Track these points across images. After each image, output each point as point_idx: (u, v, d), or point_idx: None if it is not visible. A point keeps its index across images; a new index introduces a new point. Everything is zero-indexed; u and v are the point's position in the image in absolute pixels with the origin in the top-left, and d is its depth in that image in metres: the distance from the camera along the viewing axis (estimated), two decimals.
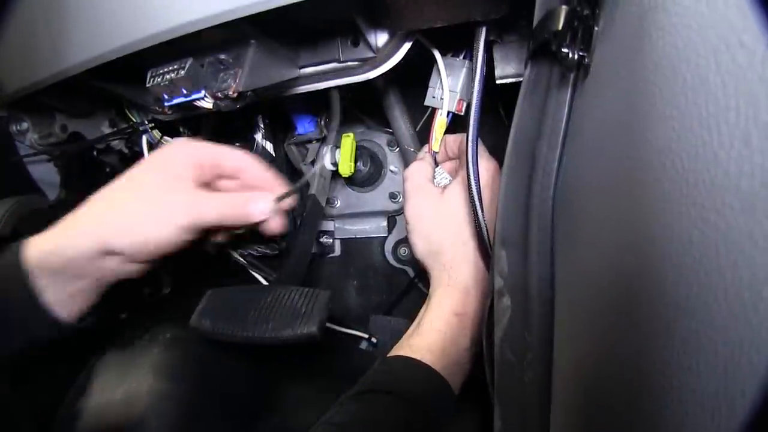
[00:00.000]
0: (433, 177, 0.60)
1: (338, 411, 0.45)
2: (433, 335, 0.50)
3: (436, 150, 0.59)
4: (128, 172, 0.47)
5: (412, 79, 0.60)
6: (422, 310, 0.54)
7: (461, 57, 0.57)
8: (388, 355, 0.51)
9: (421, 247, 0.56)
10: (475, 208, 0.48)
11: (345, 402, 0.46)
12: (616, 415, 0.25)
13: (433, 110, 0.59)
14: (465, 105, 0.57)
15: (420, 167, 0.59)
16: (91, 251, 0.44)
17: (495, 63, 0.53)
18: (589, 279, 0.29)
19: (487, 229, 0.49)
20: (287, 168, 0.76)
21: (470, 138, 0.48)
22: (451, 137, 0.60)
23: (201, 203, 0.45)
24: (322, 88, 0.55)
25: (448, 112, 0.57)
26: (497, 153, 0.57)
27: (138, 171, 0.47)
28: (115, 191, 0.46)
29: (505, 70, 0.53)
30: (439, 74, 0.56)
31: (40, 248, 0.45)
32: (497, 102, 0.69)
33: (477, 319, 0.52)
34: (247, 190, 0.50)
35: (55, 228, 0.46)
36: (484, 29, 0.47)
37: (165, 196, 0.45)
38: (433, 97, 0.58)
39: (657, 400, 0.21)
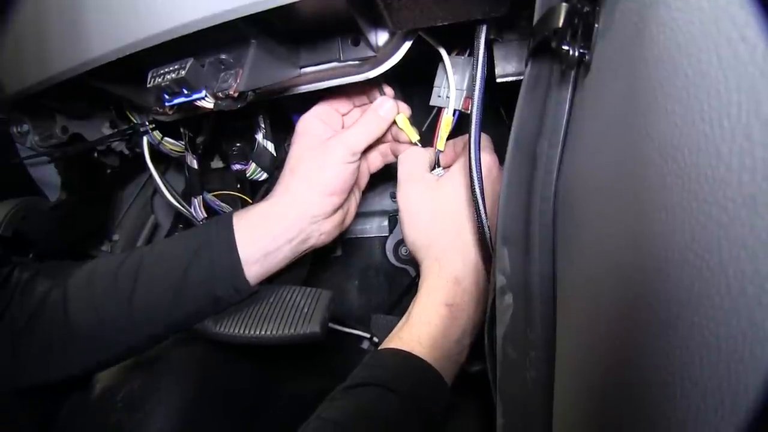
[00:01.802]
0: (430, 167, 0.59)
1: (329, 405, 0.45)
2: (423, 327, 0.50)
3: (441, 149, 0.58)
4: (288, 160, 0.59)
5: (415, 78, 0.60)
6: (412, 304, 0.53)
7: (466, 55, 0.56)
8: (378, 348, 0.50)
9: (412, 236, 0.56)
10: (476, 198, 0.48)
11: (336, 396, 0.46)
12: (620, 411, 0.25)
13: (439, 110, 0.58)
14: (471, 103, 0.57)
15: (416, 153, 0.59)
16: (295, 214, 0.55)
17: (495, 62, 0.52)
18: (590, 276, 0.29)
19: (487, 220, 0.49)
20: None
21: (473, 132, 0.48)
22: (460, 140, 0.60)
23: (345, 135, 0.56)
24: (323, 87, 0.55)
25: (455, 111, 0.56)
26: (498, 151, 0.57)
27: (293, 154, 0.58)
28: (289, 172, 0.58)
29: (506, 69, 0.53)
30: (446, 73, 0.56)
31: (249, 213, 0.57)
32: (498, 101, 0.69)
33: (468, 310, 0.51)
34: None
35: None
36: (484, 27, 0.47)
37: (321, 150, 0.56)
38: (439, 96, 0.57)
39: (660, 395, 0.21)
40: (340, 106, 0.61)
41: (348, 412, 0.44)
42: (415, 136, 0.60)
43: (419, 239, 0.55)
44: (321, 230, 0.58)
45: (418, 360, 0.47)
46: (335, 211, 0.58)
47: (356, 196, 0.64)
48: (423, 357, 0.48)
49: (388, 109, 0.58)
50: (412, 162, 0.58)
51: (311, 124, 0.59)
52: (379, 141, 0.60)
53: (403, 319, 0.53)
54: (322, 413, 0.44)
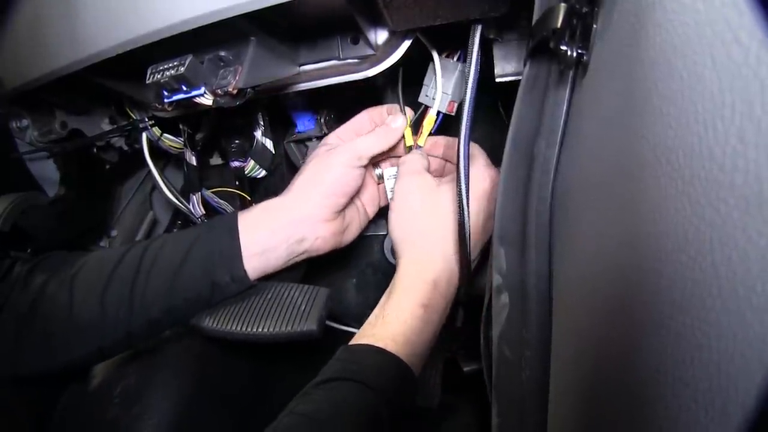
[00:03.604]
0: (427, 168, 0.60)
1: (302, 401, 0.45)
2: (397, 325, 0.50)
3: (421, 144, 0.61)
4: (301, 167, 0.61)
5: (412, 75, 0.60)
6: (384, 299, 0.53)
7: (455, 59, 0.57)
8: (350, 344, 0.50)
9: (399, 230, 0.57)
10: (462, 205, 0.49)
11: (309, 391, 0.46)
12: (613, 411, 0.26)
13: (426, 107, 0.60)
14: (456, 106, 0.58)
15: (419, 155, 0.60)
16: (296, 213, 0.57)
17: (495, 61, 0.53)
18: (586, 276, 0.29)
19: (469, 233, 0.50)
20: (287, 166, 0.76)
21: (462, 137, 0.48)
22: (440, 139, 0.62)
23: (355, 141, 0.58)
24: (322, 85, 0.55)
25: (438, 112, 0.58)
26: (496, 151, 0.57)
27: (306, 160, 0.61)
28: (297, 174, 0.60)
29: (505, 69, 0.53)
30: (435, 74, 0.57)
31: (251, 210, 0.58)
32: (497, 100, 0.69)
33: (441, 313, 0.53)
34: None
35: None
36: (479, 27, 0.47)
37: (329, 154, 0.58)
38: (426, 96, 0.59)
39: (652, 394, 0.21)
40: (362, 128, 0.62)
41: (322, 407, 0.43)
42: (409, 141, 0.62)
43: (405, 232, 0.56)
44: (317, 233, 0.58)
45: (392, 356, 0.48)
46: (335, 214, 0.58)
47: (360, 215, 0.64)
48: (396, 353, 0.48)
49: (400, 123, 0.60)
50: (415, 161, 0.60)
51: (328, 138, 0.62)
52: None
53: (375, 315, 0.53)
54: (295, 408, 0.44)
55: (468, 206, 0.49)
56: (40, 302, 0.54)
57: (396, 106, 0.61)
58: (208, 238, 0.55)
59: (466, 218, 0.49)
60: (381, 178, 0.65)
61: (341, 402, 0.44)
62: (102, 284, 0.54)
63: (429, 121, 0.59)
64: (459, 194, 0.49)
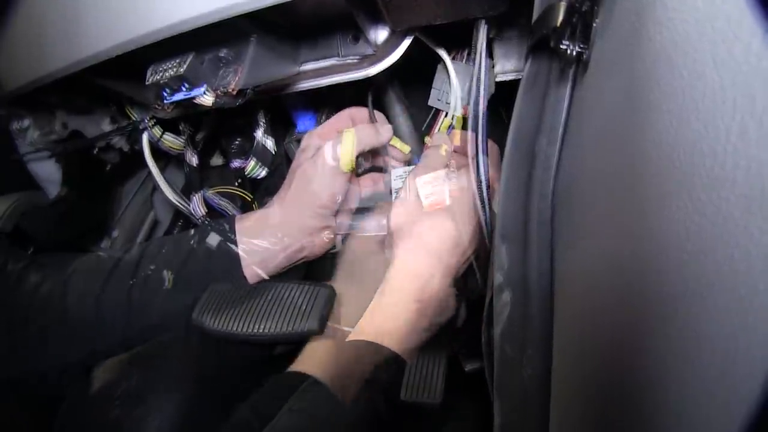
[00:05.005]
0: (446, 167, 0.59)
1: (301, 397, 0.45)
2: (394, 322, 0.51)
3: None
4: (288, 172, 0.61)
5: (414, 75, 0.60)
6: (379, 294, 0.53)
7: (464, 61, 0.57)
8: (347, 340, 0.51)
9: (397, 223, 0.56)
10: (484, 207, 0.49)
11: (307, 389, 0.46)
12: (616, 408, 0.26)
13: (437, 110, 0.59)
14: (469, 108, 0.57)
15: (441, 154, 0.59)
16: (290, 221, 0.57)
17: (495, 59, 0.53)
18: (588, 273, 0.29)
19: (489, 226, 0.50)
20: (288, 165, 0.76)
21: (479, 140, 0.48)
22: (456, 132, 0.60)
23: (329, 149, 0.56)
24: (322, 85, 0.55)
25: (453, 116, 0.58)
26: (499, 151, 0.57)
27: (292, 166, 0.61)
28: (286, 183, 0.59)
29: (505, 67, 0.53)
30: (447, 77, 0.57)
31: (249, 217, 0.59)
32: (497, 99, 0.69)
33: (434, 307, 0.53)
34: None
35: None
36: (485, 27, 0.47)
37: (311, 160, 0.57)
38: (439, 100, 0.59)
39: (655, 391, 0.21)
40: (343, 126, 0.61)
41: (319, 402, 0.44)
42: (407, 148, 0.63)
43: (403, 225, 0.56)
44: (314, 242, 0.58)
45: (388, 352, 0.48)
46: (329, 219, 0.59)
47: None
48: (392, 348, 0.48)
49: (387, 129, 0.60)
50: (436, 158, 0.58)
51: (309, 139, 0.61)
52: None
53: (370, 310, 0.53)
54: (293, 406, 0.44)
55: (489, 202, 0.49)
56: (33, 302, 0.54)
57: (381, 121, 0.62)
58: (207, 243, 0.55)
59: (487, 213, 0.49)
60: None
61: (339, 398, 0.44)
62: (98, 287, 0.54)
63: (445, 126, 0.59)
64: (480, 191, 0.49)
